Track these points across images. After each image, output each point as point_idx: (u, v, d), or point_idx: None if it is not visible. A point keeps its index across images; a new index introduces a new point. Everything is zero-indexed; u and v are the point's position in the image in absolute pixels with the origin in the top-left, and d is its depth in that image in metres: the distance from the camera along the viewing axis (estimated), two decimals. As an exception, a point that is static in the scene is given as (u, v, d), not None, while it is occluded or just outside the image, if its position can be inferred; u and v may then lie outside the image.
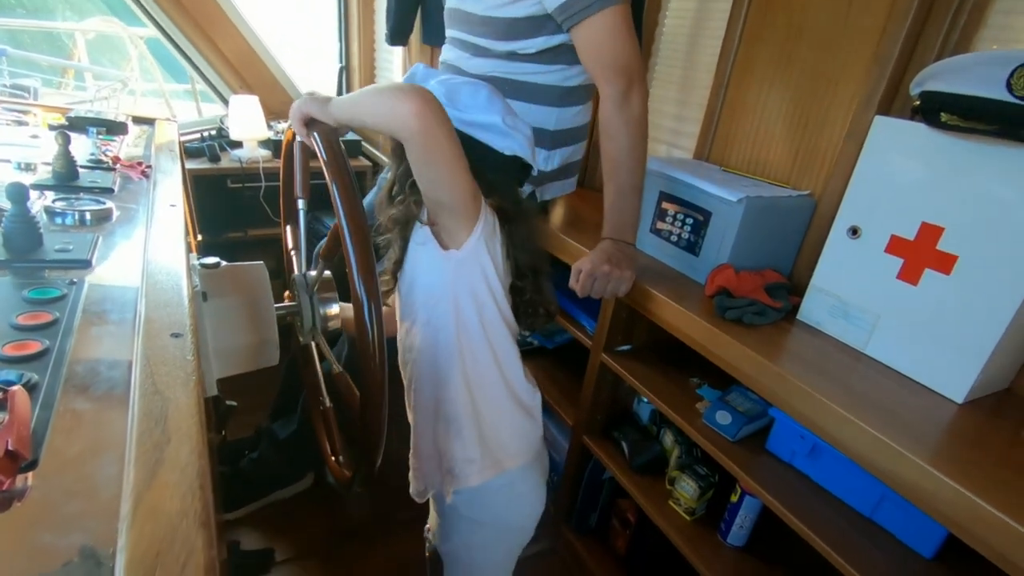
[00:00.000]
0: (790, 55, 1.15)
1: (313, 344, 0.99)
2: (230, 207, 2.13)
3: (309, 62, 2.81)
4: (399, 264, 0.83)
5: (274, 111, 2.43)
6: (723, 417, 1.06)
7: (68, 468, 0.34)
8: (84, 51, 2.78)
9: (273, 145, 2.18)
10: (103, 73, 2.70)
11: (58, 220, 0.70)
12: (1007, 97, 0.74)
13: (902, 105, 0.98)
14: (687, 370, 1.24)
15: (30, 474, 0.34)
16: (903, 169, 0.86)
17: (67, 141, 0.80)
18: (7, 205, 0.61)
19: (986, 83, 0.76)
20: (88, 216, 0.70)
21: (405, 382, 0.88)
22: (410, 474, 0.91)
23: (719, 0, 1.30)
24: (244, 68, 2.47)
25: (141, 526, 0.30)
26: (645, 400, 1.36)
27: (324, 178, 0.66)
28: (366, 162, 2.36)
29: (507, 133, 0.78)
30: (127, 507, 0.31)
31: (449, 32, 1.35)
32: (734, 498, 1.10)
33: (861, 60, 1.02)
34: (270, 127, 2.24)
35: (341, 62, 2.64)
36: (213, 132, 2.20)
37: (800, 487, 0.97)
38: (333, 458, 0.92)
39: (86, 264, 0.59)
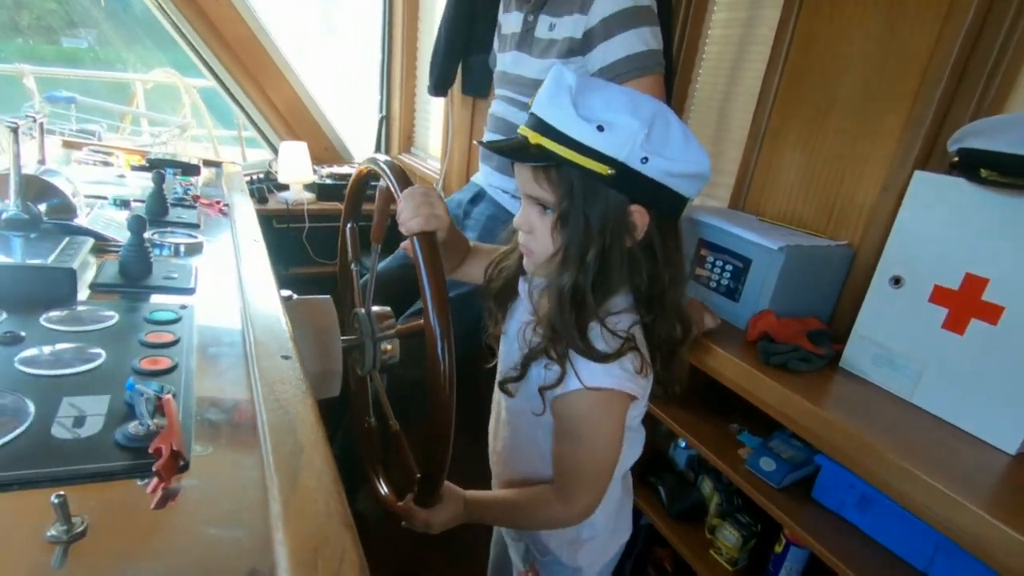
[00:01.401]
0: (826, 112, 1.20)
1: (369, 379, 1.02)
2: (274, 246, 2.22)
3: (350, 111, 2.96)
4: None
5: (317, 157, 2.56)
6: (767, 464, 1.06)
7: (216, 471, 0.38)
8: (142, 99, 2.97)
9: (318, 188, 2.28)
10: (158, 119, 2.88)
11: (156, 251, 0.76)
12: (1045, 155, 0.78)
13: (938, 162, 1.02)
14: (726, 416, 1.25)
15: (183, 475, 0.37)
16: (944, 221, 0.89)
17: (161, 180, 0.87)
18: (118, 237, 0.66)
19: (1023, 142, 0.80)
20: (183, 248, 0.76)
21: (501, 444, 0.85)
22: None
23: (750, 63, 1.38)
24: (291, 116, 2.61)
25: (295, 524, 0.33)
26: (682, 445, 1.36)
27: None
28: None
29: (704, 181, 0.66)
30: (277, 507, 0.34)
31: (499, 91, 1.45)
32: (778, 548, 1.09)
33: (897, 117, 1.07)
34: (315, 171, 2.35)
35: (382, 112, 2.79)
36: (261, 175, 2.32)
37: (850, 537, 0.95)
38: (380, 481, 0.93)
39: (191, 291, 0.64)
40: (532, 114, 0.63)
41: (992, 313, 0.84)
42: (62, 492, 0.32)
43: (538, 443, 0.76)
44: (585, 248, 0.62)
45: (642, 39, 1.19)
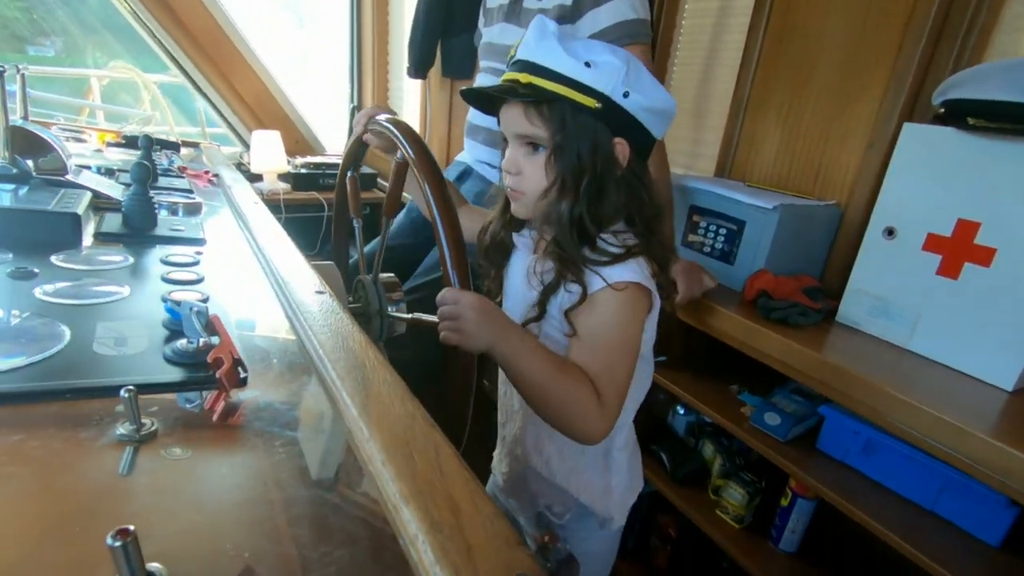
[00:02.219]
0: (808, 76, 1.24)
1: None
2: (248, 239, 2.15)
3: (321, 103, 2.90)
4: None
5: (289, 150, 2.49)
6: (771, 418, 1.08)
7: (275, 386, 0.35)
8: (98, 94, 2.84)
9: (293, 179, 2.22)
10: (118, 112, 2.76)
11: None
12: (1029, 100, 0.81)
13: (921, 115, 1.06)
14: (725, 379, 1.27)
15: (242, 390, 0.35)
16: (934, 171, 0.93)
17: (150, 144, 0.83)
18: (114, 195, 0.63)
19: (1009, 88, 0.83)
20: (181, 207, 0.72)
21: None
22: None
23: (730, 32, 1.41)
24: (260, 108, 2.54)
25: (379, 422, 0.31)
26: (681, 412, 1.38)
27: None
28: (381, 194, 2.41)
29: (670, 120, 0.72)
30: (355, 410, 0.32)
31: (484, 63, 1.43)
32: (784, 502, 1.11)
33: (879, 77, 1.11)
34: (288, 162, 2.29)
35: (353, 102, 2.74)
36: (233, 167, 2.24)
37: (857, 483, 0.98)
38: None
39: (202, 242, 0.61)
40: (518, 60, 0.66)
41: (985, 256, 0.88)
42: (132, 387, 0.29)
43: None
44: (579, 177, 0.66)
45: (631, 6, 1.19)
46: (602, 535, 0.86)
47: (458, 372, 0.64)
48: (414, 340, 0.97)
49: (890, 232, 0.99)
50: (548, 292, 0.69)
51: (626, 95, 0.64)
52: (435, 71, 1.94)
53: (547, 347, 0.66)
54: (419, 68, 1.84)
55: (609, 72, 0.64)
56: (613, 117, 0.65)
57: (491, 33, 1.40)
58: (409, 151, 0.73)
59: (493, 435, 0.94)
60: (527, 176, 0.69)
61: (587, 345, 0.66)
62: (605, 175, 0.67)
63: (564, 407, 0.62)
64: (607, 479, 0.81)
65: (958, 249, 0.90)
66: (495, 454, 0.94)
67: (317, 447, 0.39)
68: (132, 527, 0.20)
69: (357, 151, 0.99)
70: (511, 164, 0.70)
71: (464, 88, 0.73)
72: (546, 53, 0.64)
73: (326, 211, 2.21)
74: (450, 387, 0.65)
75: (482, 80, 1.44)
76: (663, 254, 0.73)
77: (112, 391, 0.32)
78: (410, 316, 0.87)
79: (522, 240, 0.79)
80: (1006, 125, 0.84)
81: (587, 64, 0.63)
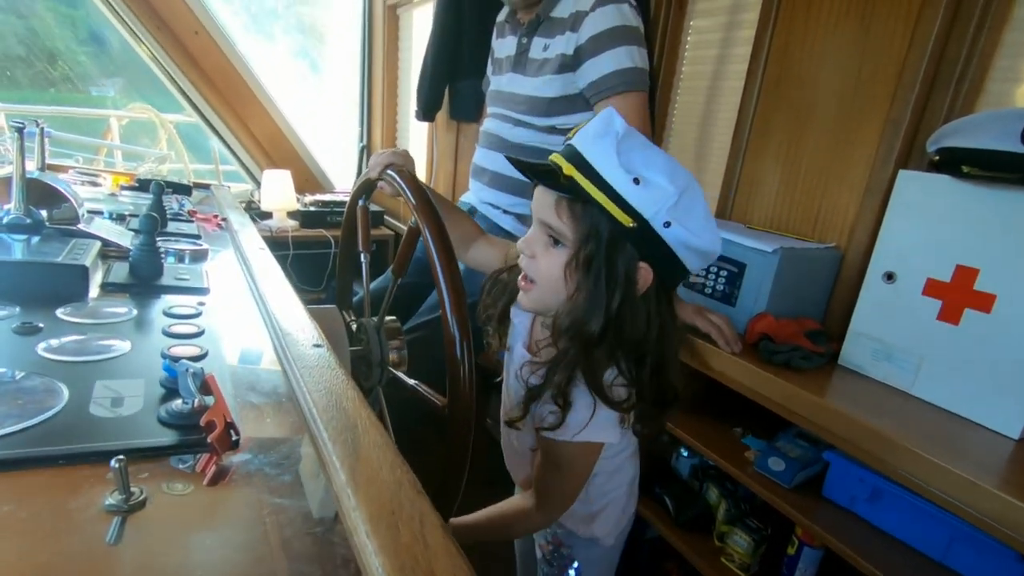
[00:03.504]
0: (805, 122, 1.26)
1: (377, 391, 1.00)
2: (255, 275, 2.18)
3: (331, 143, 2.97)
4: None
5: (299, 188, 2.55)
6: (776, 463, 1.06)
7: (267, 448, 0.36)
8: (116, 134, 2.93)
9: (302, 216, 2.26)
10: (135, 152, 2.84)
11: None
12: (1021, 149, 0.82)
13: (917, 161, 1.08)
14: (728, 421, 1.25)
15: (234, 452, 0.35)
16: (931, 217, 0.93)
17: (160, 191, 0.86)
18: (124, 243, 0.64)
19: (1001, 138, 0.84)
20: (188, 255, 0.74)
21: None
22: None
23: (728, 79, 1.45)
24: (272, 147, 2.61)
25: (366, 490, 0.31)
26: (685, 455, 1.36)
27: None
28: (388, 231, 2.45)
29: (709, 261, 0.68)
30: (343, 476, 0.33)
31: (492, 109, 1.48)
32: (791, 550, 1.08)
33: (874, 122, 1.13)
34: (298, 200, 2.34)
35: (362, 141, 2.80)
36: (243, 204, 2.29)
37: (864, 532, 0.95)
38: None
39: (205, 291, 0.62)
40: (570, 146, 0.62)
41: (985, 302, 0.87)
42: (122, 456, 0.30)
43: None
44: (611, 295, 0.62)
45: (630, 56, 1.23)
46: (594, 551, 0.90)
47: (458, 414, 0.65)
48: (415, 372, 0.98)
49: (889, 276, 1.00)
50: (530, 400, 0.69)
51: (667, 225, 0.60)
52: (442, 113, 1.99)
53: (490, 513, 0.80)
54: (427, 111, 1.90)
55: (656, 196, 0.59)
56: (646, 242, 0.61)
57: (500, 82, 1.45)
58: (413, 206, 0.74)
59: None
60: (541, 268, 0.66)
61: (546, 469, 0.75)
62: (630, 297, 0.64)
63: (518, 535, 0.88)
64: (588, 506, 0.85)
65: (958, 295, 0.90)
66: None
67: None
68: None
69: (368, 188, 1.02)
70: (528, 246, 0.67)
71: (511, 157, 0.70)
72: (598, 153, 0.60)
73: (333, 248, 2.24)
74: (450, 430, 0.66)
75: (490, 125, 1.48)
76: (659, 395, 0.71)
77: (105, 456, 0.32)
78: (412, 384, 0.89)
79: (519, 320, 0.78)
80: (999, 174, 0.85)
81: (636, 180, 0.59)
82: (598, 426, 0.68)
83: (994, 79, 1.01)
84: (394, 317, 0.99)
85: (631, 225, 0.59)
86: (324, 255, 2.25)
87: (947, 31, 1.02)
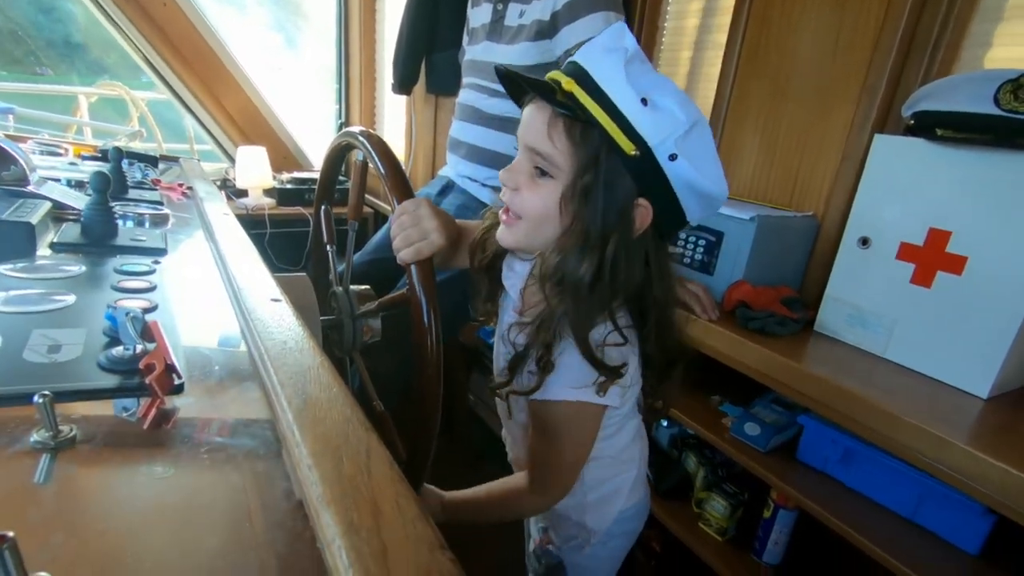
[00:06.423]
0: (783, 91, 1.25)
1: (348, 360, 0.98)
2: (232, 254, 2.14)
3: (309, 121, 2.91)
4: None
5: (276, 166, 2.50)
6: (752, 428, 1.07)
7: (213, 393, 0.35)
8: (85, 111, 2.84)
9: (278, 194, 2.22)
10: (105, 129, 2.76)
11: (119, 223, 0.71)
12: (995, 111, 0.82)
13: (893, 127, 1.08)
14: (706, 390, 1.26)
15: (177, 397, 0.34)
16: (905, 180, 0.93)
17: (119, 156, 0.83)
18: (77, 205, 0.62)
19: (975, 100, 0.84)
20: (147, 219, 0.72)
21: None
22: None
23: (712, 44, 1.43)
24: (247, 123, 2.55)
25: (312, 428, 0.30)
26: (664, 425, 1.37)
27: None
28: (368, 209, 2.41)
29: (713, 209, 0.61)
30: (290, 415, 0.32)
31: (467, 79, 1.45)
32: (767, 514, 1.10)
33: (851, 89, 1.12)
34: (274, 177, 2.29)
35: (340, 118, 2.75)
36: (218, 183, 2.24)
37: (837, 493, 0.97)
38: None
39: (162, 251, 0.60)
40: (573, 61, 0.55)
41: (957, 264, 0.88)
42: (47, 392, 0.28)
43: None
44: (607, 233, 0.55)
45: (607, 22, 1.21)
46: (588, 553, 0.84)
47: (428, 377, 0.63)
48: (392, 348, 0.97)
49: (864, 242, 1.00)
50: (515, 364, 0.62)
51: (673, 158, 0.53)
52: (419, 87, 1.95)
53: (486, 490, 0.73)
54: (403, 84, 1.86)
55: (665, 122, 0.52)
56: (647, 175, 0.54)
57: (475, 51, 1.42)
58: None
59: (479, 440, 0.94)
60: (527, 202, 0.59)
61: (538, 440, 0.66)
62: (628, 236, 0.56)
63: (512, 517, 0.78)
64: (583, 495, 0.79)
65: (930, 258, 0.91)
66: None
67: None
68: (11, 533, 0.19)
69: (330, 180, 0.99)
70: (511, 177, 0.59)
71: (500, 68, 0.61)
72: (604, 68, 0.53)
73: (312, 224, 2.21)
74: (421, 389, 0.64)
75: (465, 96, 1.46)
76: (663, 352, 0.64)
77: (33, 397, 0.31)
78: (376, 303, 0.87)
79: (511, 281, 0.69)
80: (972, 135, 0.85)
81: (643, 101, 0.52)
82: (586, 386, 0.59)
83: (969, 45, 1.01)
84: (367, 286, 0.97)
85: (633, 153, 0.52)
86: (302, 233, 2.21)
87: (924, -5, 1.01)
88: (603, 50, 0.53)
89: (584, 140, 0.54)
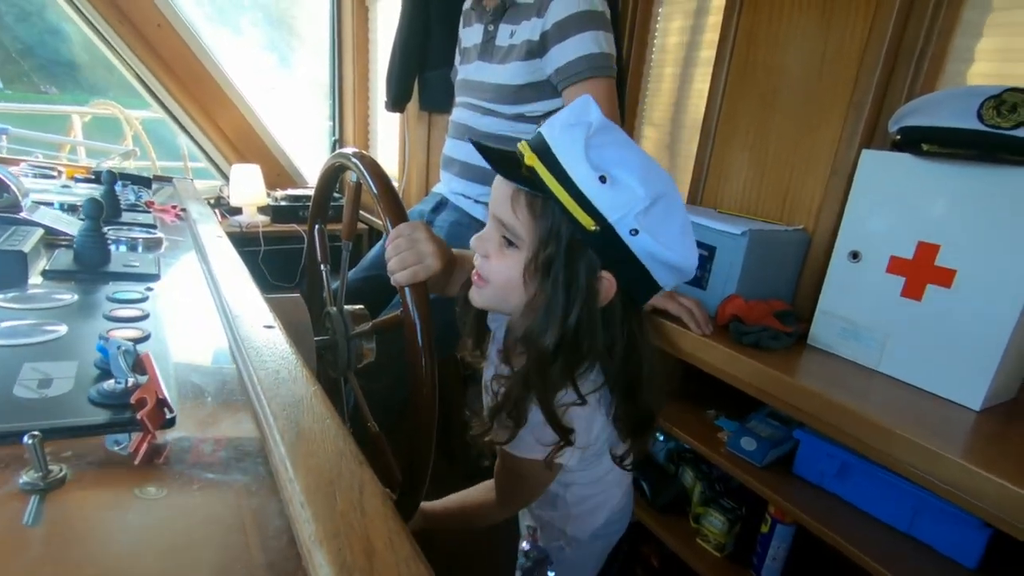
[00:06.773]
0: (771, 107, 1.27)
1: (343, 381, 0.98)
2: (226, 272, 2.13)
3: (303, 140, 2.93)
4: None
5: (270, 183, 2.50)
6: (748, 443, 1.07)
7: (206, 426, 0.34)
8: (79, 130, 2.84)
9: (272, 211, 2.22)
10: (99, 149, 2.76)
11: (112, 248, 0.71)
12: (978, 126, 0.84)
13: (880, 142, 1.09)
14: (701, 404, 1.26)
15: (169, 431, 0.34)
16: (893, 195, 0.95)
17: (113, 180, 0.83)
18: (69, 231, 0.62)
19: (959, 116, 0.86)
20: (140, 243, 0.72)
21: None
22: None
23: (701, 61, 1.45)
24: (241, 142, 2.56)
25: (305, 463, 0.30)
26: (660, 439, 1.36)
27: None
28: (361, 225, 2.42)
29: (683, 277, 0.60)
30: (283, 449, 0.31)
31: (460, 98, 1.47)
32: (765, 529, 1.09)
33: (838, 105, 1.14)
34: (268, 195, 2.30)
35: (334, 135, 2.76)
36: (212, 201, 2.24)
37: (834, 507, 0.97)
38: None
39: (155, 277, 0.60)
40: (539, 134, 0.55)
41: (946, 277, 0.89)
42: (36, 432, 0.28)
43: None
44: (569, 305, 0.56)
45: (596, 42, 1.23)
46: (570, 553, 0.86)
47: (424, 394, 0.64)
48: (386, 368, 0.96)
49: (855, 255, 1.01)
50: (493, 415, 0.64)
51: (634, 232, 0.53)
52: (412, 105, 1.97)
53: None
54: (397, 102, 1.87)
55: (623, 199, 0.52)
56: (609, 249, 0.54)
57: (467, 70, 1.44)
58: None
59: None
60: (494, 269, 0.60)
61: (504, 474, 0.74)
62: (591, 307, 0.57)
63: (482, 525, 0.82)
64: (566, 507, 0.81)
65: (920, 271, 0.92)
66: None
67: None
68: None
69: (324, 201, 1.00)
70: (481, 245, 0.61)
71: (475, 141, 0.61)
72: (564, 144, 0.52)
73: (306, 243, 2.21)
74: (416, 407, 0.65)
75: (458, 114, 1.47)
76: (634, 412, 0.65)
77: (22, 436, 0.30)
78: (371, 324, 0.87)
79: (496, 326, 0.71)
80: (957, 150, 0.86)
81: (602, 179, 0.52)
82: (544, 445, 0.61)
83: (953, 59, 1.03)
84: (360, 306, 0.97)
85: (593, 228, 0.52)
86: (297, 250, 2.21)
87: (907, 11, 1.03)
88: (564, 124, 0.54)
89: (545, 213, 0.55)
